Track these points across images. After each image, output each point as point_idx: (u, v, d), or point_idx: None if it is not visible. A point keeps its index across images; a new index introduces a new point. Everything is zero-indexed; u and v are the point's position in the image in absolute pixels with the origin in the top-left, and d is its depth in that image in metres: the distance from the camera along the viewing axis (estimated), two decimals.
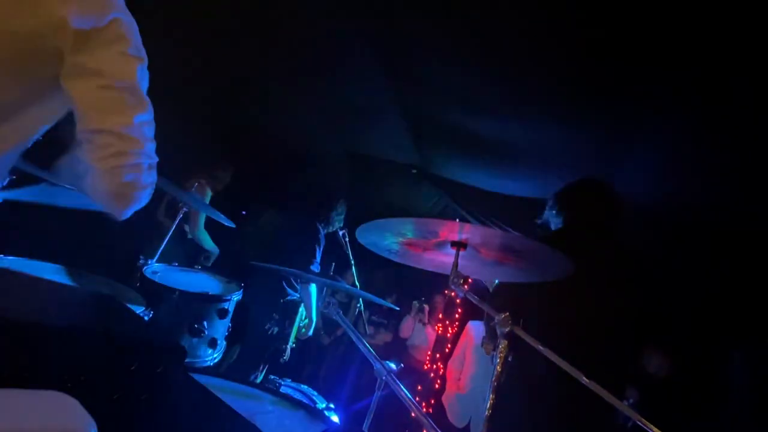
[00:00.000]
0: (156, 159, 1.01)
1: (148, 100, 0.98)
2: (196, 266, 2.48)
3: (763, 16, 1.41)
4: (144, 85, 0.98)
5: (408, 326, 5.02)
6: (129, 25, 0.96)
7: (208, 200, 3.15)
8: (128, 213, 1.01)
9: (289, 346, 2.92)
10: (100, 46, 0.90)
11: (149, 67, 1.00)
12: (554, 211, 1.87)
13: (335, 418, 2.07)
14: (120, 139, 0.93)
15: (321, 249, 2.98)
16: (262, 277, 2.91)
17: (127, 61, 0.94)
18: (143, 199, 1.01)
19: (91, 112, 0.92)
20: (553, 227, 1.88)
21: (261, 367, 2.84)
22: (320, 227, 3.01)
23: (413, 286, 5.24)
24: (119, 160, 0.93)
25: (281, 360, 2.94)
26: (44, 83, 0.91)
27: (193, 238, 3.09)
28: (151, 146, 0.99)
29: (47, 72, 0.90)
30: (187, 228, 3.15)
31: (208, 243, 3.26)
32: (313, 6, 2.06)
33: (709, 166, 2.32)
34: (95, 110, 0.92)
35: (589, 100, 2.16)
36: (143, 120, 0.96)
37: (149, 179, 0.99)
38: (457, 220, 1.83)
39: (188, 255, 2.96)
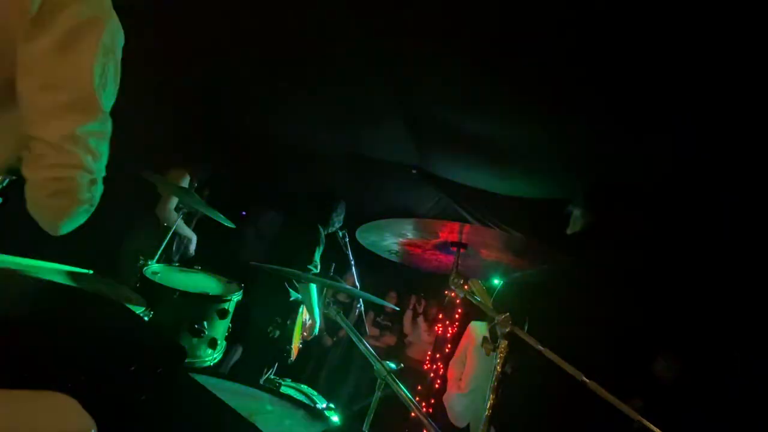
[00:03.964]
0: (101, 173, 0.90)
1: (101, 107, 0.85)
2: (196, 267, 2.48)
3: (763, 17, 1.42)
4: (104, 89, 0.85)
5: (407, 320, 5.06)
6: (96, 17, 0.82)
7: (186, 184, 3.08)
8: (62, 230, 0.91)
9: (292, 347, 2.89)
10: (53, 36, 0.77)
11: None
12: (579, 210, 1.85)
13: (335, 418, 2.07)
14: (56, 151, 0.81)
15: (321, 250, 2.98)
16: (263, 279, 2.90)
17: (81, 59, 0.80)
18: (79, 215, 0.90)
19: (31, 115, 0.81)
20: (571, 225, 1.87)
21: (265, 371, 2.82)
22: (321, 228, 3.02)
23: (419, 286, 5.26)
24: (51, 173, 0.83)
25: (288, 362, 2.92)
26: (8, 82, 0.80)
27: (168, 227, 2.83)
28: (93, 160, 0.86)
29: (6, 70, 0.78)
30: (163, 219, 3.04)
31: (182, 228, 3.13)
32: (313, 7, 2.06)
33: (710, 168, 2.32)
34: (35, 113, 0.80)
35: (590, 100, 2.16)
36: (89, 130, 0.84)
37: (87, 195, 0.88)
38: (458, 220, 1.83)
39: (168, 246, 2.67)
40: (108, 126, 0.88)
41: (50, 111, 0.80)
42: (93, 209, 0.93)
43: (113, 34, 0.86)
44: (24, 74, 0.78)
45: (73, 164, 0.84)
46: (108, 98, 0.87)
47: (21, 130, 0.84)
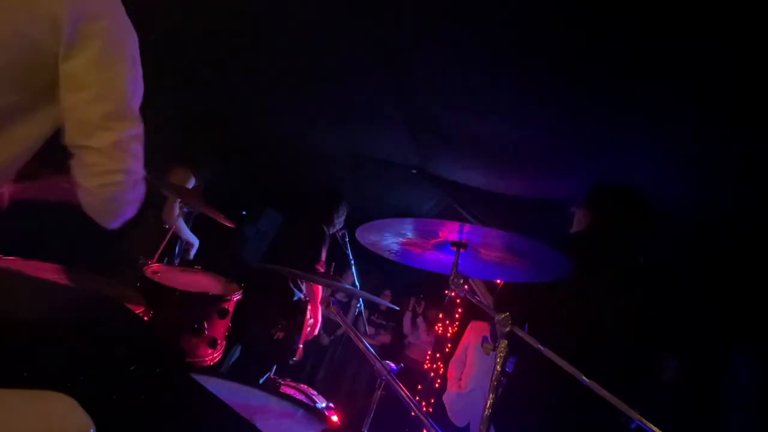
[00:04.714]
0: (142, 174, 1.00)
1: (136, 113, 0.96)
2: (196, 267, 2.48)
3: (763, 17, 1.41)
4: (135, 96, 0.96)
5: (406, 321, 5.07)
6: (122, 31, 0.93)
7: (190, 185, 3.08)
8: (115, 224, 1.02)
9: (299, 347, 2.87)
10: (89, 53, 0.88)
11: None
12: (583, 210, 1.84)
13: (335, 418, 2.07)
14: (105, 157, 0.92)
15: (326, 249, 2.97)
16: (267, 280, 2.86)
17: (117, 72, 0.92)
18: (128, 212, 1.02)
19: (77, 127, 0.91)
20: (574, 226, 1.87)
21: (267, 371, 2.79)
22: (325, 228, 3.01)
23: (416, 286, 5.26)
24: (103, 179, 0.93)
25: (290, 361, 2.89)
26: (38, 93, 0.89)
27: (169, 228, 2.86)
28: (136, 162, 0.97)
29: (40, 81, 0.88)
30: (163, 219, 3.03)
31: (186, 233, 3.15)
32: (313, 6, 2.06)
33: (709, 166, 2.32)
34: (81, 125, 0.91)
35: (590, 99, 2.15)
36: (130, 135, 0.95)
37: (133, 195, 0.99)
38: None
39: (167, 248, 2.70)
40: (141, 129, 0.98)
41: (97, 121, 0.91)
42: (139, 205, 1.03)
43: (135, 45, 0.97)
44: (67, 90, 0.89)
45: (121, 168, 0.94)
46: (137, 103, 0.97)
47: (39, 137, 0.94)
